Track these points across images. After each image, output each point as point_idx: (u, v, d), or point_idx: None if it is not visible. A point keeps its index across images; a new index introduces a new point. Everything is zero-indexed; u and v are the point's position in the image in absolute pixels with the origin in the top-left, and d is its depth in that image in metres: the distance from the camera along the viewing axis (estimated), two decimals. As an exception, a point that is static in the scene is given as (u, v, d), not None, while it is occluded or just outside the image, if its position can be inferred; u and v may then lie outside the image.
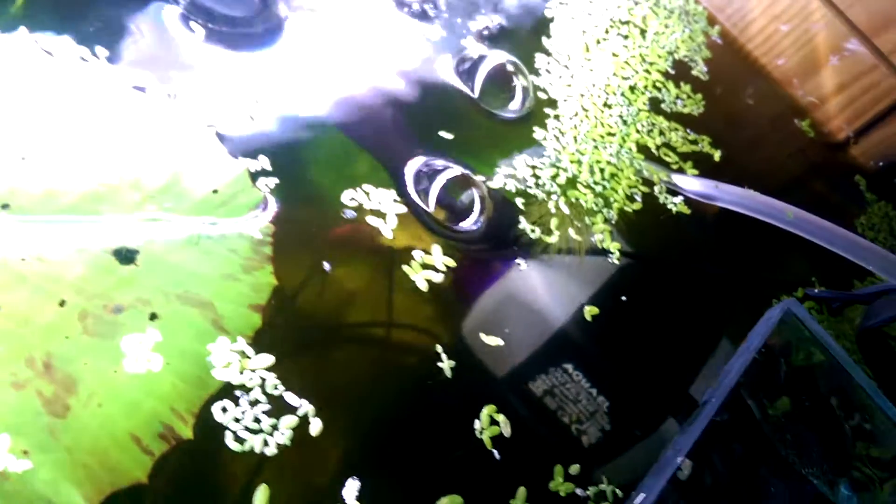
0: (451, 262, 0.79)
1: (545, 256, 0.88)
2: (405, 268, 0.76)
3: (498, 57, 1.01)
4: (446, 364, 0.73)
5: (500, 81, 1.01)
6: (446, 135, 0.90)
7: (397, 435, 0.68)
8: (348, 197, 0.78)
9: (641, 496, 0.64)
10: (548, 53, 1.11)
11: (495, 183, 0.90)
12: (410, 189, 0.82)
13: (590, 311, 0.85)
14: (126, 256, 0.65)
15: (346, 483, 0.63)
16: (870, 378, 0.93)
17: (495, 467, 0.69)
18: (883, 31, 1.45)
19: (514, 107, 0.99)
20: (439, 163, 0.87)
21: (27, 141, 0.65)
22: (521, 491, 0.68)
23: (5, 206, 0.62)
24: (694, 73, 1.30)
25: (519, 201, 0.90)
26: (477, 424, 0.71)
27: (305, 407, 0.64)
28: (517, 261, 0.85)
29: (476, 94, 0.96)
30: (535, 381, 0.78)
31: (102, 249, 0.64)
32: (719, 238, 1.07)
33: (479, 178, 0.88)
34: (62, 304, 0.61)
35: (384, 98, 0.90)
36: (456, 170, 0.87)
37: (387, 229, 0.78)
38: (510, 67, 1.02)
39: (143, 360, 0.61)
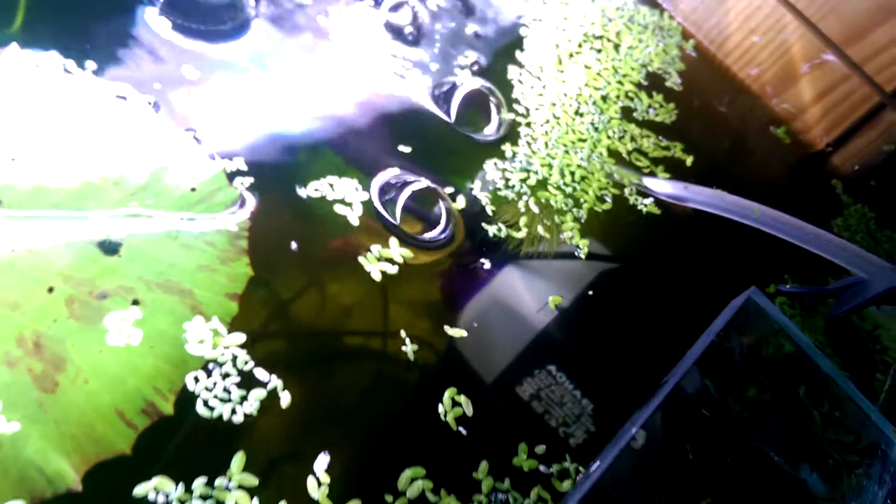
0: (409, 254, 0.84)
1: (514, 254, 0.92)
2: (361, 259, 0.81)
3: (474, 83, 1.06)
4: (409, 348, 0.77)
5: (476, 106, 1.07)
6: (408, 149, 0.95)
7: (363, 413, 0.72)
8: (313, 188, 0.84)
9: (597, 463, 0.68)
10: (520, 65, 1.16)
11: (464, 192, 0.94)
12: (375, 198, 0.87)
13: (553, 301, 0.89)
14: (110, 248, 0.71)
15: (317, 456, 0.67)
16: (838, 367, 0.96)
17: (460, 444, 0.73)
18: (854, 41, 1.50)
19: (490, 132, 1.04)
20: (408, 176, 0.92)
21: (18, 144, 0.71)
22: (484, 464, 0.72)
23: (-1, 202, 0.68)
24: (668, 84, 1.35)
25: (489, 208, 0.95)
26: (440, 408, 0.75)
27: (275, 382, 0.68)
28: (482, 260, 0.89)
29: (452, 119, 1.01)
30: (502, 368, 0.82)
31: (88, 241, 0.70)
32: (692, 238, 1.10)
33: (447, 189, 0.93)
34: (50, 290, 0.67)
35: (363, 112, 0.96)
36: (423, 182, 0.92)
37: (353, 217, 0.84)
38: (486, 93, 1.07)
39: (125, 335, 0.66)
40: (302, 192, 0.83)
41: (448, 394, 0.76)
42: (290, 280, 0.77)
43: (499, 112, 1.05)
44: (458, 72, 1.08)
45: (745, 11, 1.56)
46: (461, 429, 0.74)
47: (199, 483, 0.61)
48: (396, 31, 1.08)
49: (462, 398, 0.76)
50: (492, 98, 1.06)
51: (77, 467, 0.61)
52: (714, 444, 0.75)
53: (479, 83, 1.07)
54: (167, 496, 0.60)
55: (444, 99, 1.03)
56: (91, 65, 0.80)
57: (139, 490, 0.59)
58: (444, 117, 1.01)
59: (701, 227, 1.11)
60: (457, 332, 0.81)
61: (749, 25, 1.56)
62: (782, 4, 1.52)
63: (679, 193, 1.09)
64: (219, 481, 0.62)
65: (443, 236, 0.89)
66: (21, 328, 0.64)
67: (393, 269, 0.82)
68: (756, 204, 1.07)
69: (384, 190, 0.88)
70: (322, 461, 0.67)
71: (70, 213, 0.71)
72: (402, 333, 0.78)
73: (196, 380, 0.66)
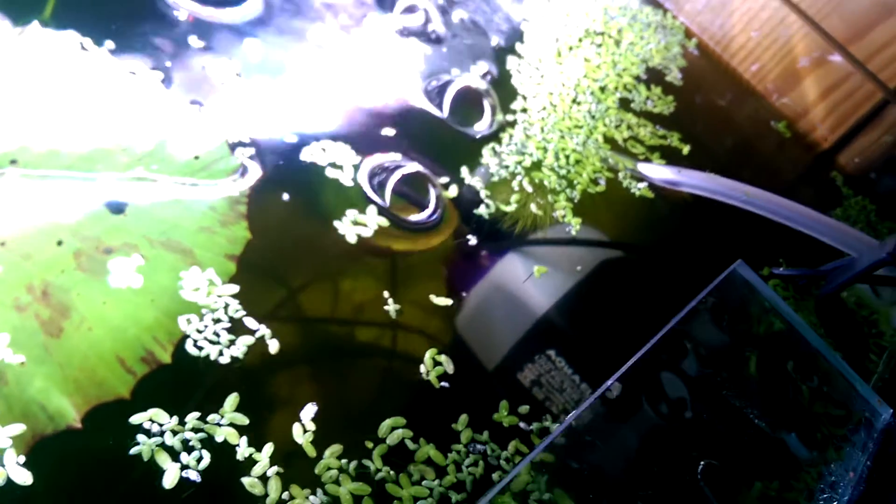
0: (384, 223, 0.87)
1: (507, 231, 0.95)
2: (336, 222, 0.85)
3: (469, 80, 1.10)
4: (392, 308, 0.80)
5: (470, 102, 1.10)
6: (401, 138, 0.99)
7: (349, 368, 0.76)
8: (308, 154, 0.88)
9: (573, 413, 0.70)
10: (519, 56, 1.20)
11: (459, 178, 0.98)
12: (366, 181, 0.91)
13: (539, 271, 0.92)
14: (116, 208, 0.75)
15: (304, 406, 0.70)
16: (827, 343, 0.98)
17: (441, 400, 0.76)
18: (857, 39, 1.52)
19: (482, 127, 1.07)
20: (399, 159, 0.96)
21: (36, 111, 0.77)
22: (464, 417, 0.75)
23: (14, 162, 0.73)
24: (667, 78, 1.38)
25: (484, 192, 0.98)
26: (422, 368, 0.78)
27: (263, 331, 0.72)
28: (476, 237, 0.92)
29: (445, 114, 1.05)
30: (487, 334, 0.85)
31: (96, 201, 0.75)
32: (685, 221, 1.13)
33: (442, 179, 0.96)
34: (59, 243, 0.71)
35: (363, 100, 1.00)
36: (414, 166, 0.95)
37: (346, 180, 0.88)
38: (481, 90, 1.10)
39: (127, 278, 0.70)
40: (300, 160, 0.87)
41: (429, 354, 0.79)
42: (286, 244, 0.81)
43: (493, 113, 1.08)
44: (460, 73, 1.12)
45: (748, 13, 1.58)
46: (444, 384, 0.77)
47: (192, 417, 0.65)
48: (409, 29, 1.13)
49: (442, 357, 0.79)
50: (487, 98, 1.10)
51: (78, 407, 0.65)
52: (692, 401, 0.77)
53: (475, 81, 1.10)
54: (161, 426, 0.63)
55: (437, 95, 1.07)
56: (109, 44, 0.86)
57: (134, 419, 0.63)
58: (438, 112, 1.05)
59: (695, 212, 1.14)
60: (442, 301, 0.84)
61: (752, 26, 1.58)
62: (785, 4, 1.54)
63: (672, 178, 1.12)
64: (211, 417, 0.65)
65: (432, 219, 0.92)
66: (31, 277, 0.69)
67: (368, 233, 0.85)
68: (748, 186, 1.09)
69: (375, 173, 0.92)
70: (309, 410, 0.70)
71: (81, 174, 0.76)
72: (386, 295, 0.81)
73: (188, 321, 0.70)
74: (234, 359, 0.69)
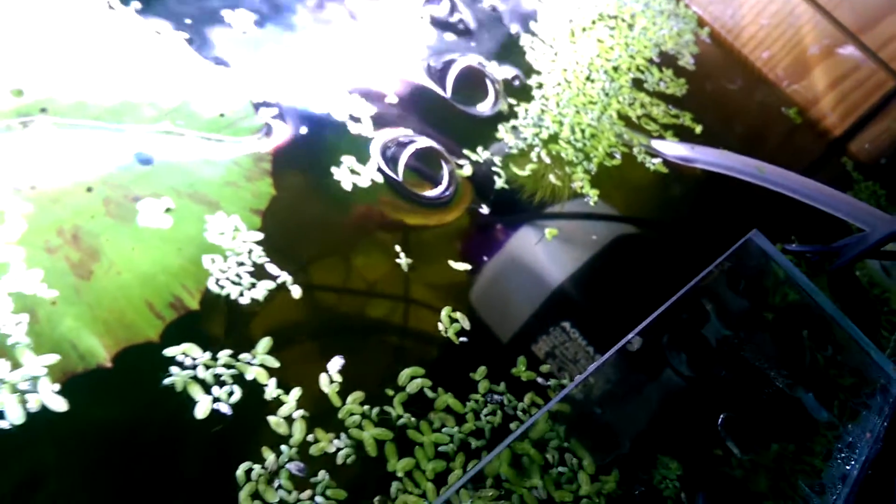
0: (379, 178, 0.88)
1: (526, 202, 0.96)
2: (333, 168, 0.86)
3: (470, 59, 1.10)
4: (403, 261, 0.81)
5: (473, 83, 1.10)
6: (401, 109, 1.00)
7: (370, 322, 0.76)
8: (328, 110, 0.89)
9: (594, 364, 0.71)
10: (533, 34, 1.22)
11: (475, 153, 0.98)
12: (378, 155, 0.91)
13: (550, 233, 0.93)
14: (144, 159, 0.76)
15: (332, 357, 0.71)
16: (845, 316, 0.98)
17: (460, 354, 0.77)
18: (868, 28, 1.53)
19: (486, 108, 1.08)
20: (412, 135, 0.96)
21: (64, 64, 0.78)
22: (482, 369, 0.76)
23: (44, 110, 0.74)
24: (680, 63, 1.39)
25: (499, 165, 0.98)
26: (440, 326, 0.78)
27: (285, 277, 0.73)
28: (493, 209, 0.93)
29: (448, 94, 1.05)
30: (504, 294, 0.85)
31: (124, 152, 0.76)
32: (699, 197, 1.14)
33: (462, 160, 0.96)
34: (89, 189, 0.72)
35: (386, 82, 1.01)
36: (426, 141, 0.96)
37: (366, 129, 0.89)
38: (481, 69, 1.11)
39: (155, 226, 0.71)
40: (320, 118, 0.88)
41: (445, 311, 0.79)
42: (309, 201, 0.82)
43: (497, 99, 1.08)
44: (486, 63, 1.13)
45: (759, 3, 1.60)
46: (463, 339, 0.78)
47: (224, 354, 0.65)
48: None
49: (458, 315, 0.79)
50: (491, 82, 1.10)
51: (108, 348, 0.66)
52: (711, 359, 0.78)
53: (475, 61, 1.11)
54: (194, 360, 0.64)
55: (440, 75, 1.08)
56: (135, 4, 0.87)
57: (168, 351, 0.64)
58: (442, 93, 1.06)
59: (708, 188, 1.15)
60: (461, 266, 0.85)
61: (763, 15, 1.60)
62: (796, -6, 1.56)
63: (686, 154, 1.13)
64: (243, 356, 0.66)
65: (446, 193, 0.93)
66: (61, 221, 0.70)
67: (365, 183, 0.86)
68: (762, 162, 1.10)
69: (387, 146, 0.93)
70: (336, 363, 0.71)
71: (109, 125, 0.77)
72: (397, 248, 0.82)
73: (212, 261, 0.71)
74: (254, 300, 0.70)
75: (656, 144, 1.14)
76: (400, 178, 0.90)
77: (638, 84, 1.26)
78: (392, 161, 0.91)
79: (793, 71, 1.56)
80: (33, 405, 0.58)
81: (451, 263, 0.84)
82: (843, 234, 1.13)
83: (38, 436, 0.57)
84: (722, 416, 0.73)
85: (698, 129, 1.25)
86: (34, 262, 0.66)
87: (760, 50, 1.58)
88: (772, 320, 0.88)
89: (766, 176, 1.05)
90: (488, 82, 1.09)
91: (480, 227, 0.91)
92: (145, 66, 0.83)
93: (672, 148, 1.14)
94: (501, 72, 1.11)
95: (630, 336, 0.74)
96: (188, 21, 0.90)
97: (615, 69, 1.26)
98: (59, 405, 0.59)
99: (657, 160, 1.13)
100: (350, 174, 0.86)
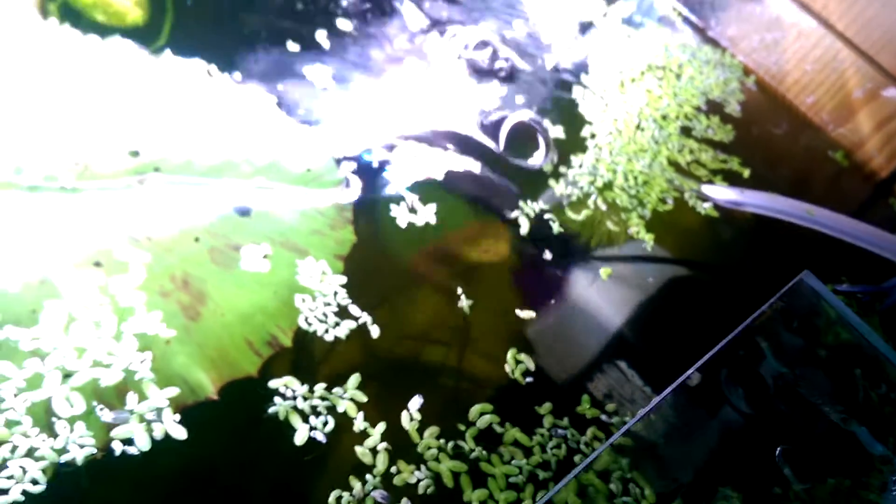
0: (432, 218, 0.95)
1: (583, 247, 1.03)
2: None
3: (522, 115, 1.18)
4: (465, 304, 0.88)
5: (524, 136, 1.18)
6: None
7: (437, 363, 0.83)
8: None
9: (656, 398, 0.76)
10: (584, 86, 1.29)
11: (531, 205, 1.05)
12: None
13: (605, 272, 0.99)
14: (243, 211, 0.85)
15: (412, 396, 0.78)
16: (893, 351, 1.01)
17: (527, 393, 0.83)
18: (910, 73, 1.57)
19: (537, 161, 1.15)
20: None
21: (174, 126, 0.88)
22: (547, 405, 0.81)
23: (157, 169, 0.84)
24: (727, 110, 1.45)
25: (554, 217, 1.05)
26: (507, 367, 0.85)
27: (366, 318, 0.80)
28: (550, 252, 0.99)
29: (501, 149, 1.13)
30: (567, 338, 0.91)
31: (225, 205, 0.85)
32: (750, 240, 1.19)
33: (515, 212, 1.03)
34: (196, 239, 0.81)
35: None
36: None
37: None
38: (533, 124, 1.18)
39: (253, 272, 0.80)
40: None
41: (510, 354, 0.86)
42: (388, 245, 0.90)
43: (548, 147, 1.15)
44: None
45: (801, 49, 1.66)
46: (529, 379, 0.84)
47: (319, 387, 0.73)
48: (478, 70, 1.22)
49: (523, 356, 0.85)
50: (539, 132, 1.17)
51: (214, 382, 0.74)
52: (768, 394, 0.82)
53: (527, 116, 1.19)
54: (294, 392, 0.72)
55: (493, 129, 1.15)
56: (235, 75, 0.97)
57: (272, 384, 0.71)
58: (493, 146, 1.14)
59: (759, 231, 1.20)
60: (526, 314, 0.91)
61: (807, 61, 1.65)
62: (839, 40, 1.61)
63: (735, 198, 1.18)
64: (336, 390, 0.73)
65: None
66: (173, 268, 0.79)
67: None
68: (810, 205, 1.15)
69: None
70: (416, 402, 0.77)
71: (211, 181, 0.86)
72: (463, 295, 0.89)
73: (303, 301, 0.79)
74: (336, 339, 0.78)
75: (706, 189, 1.20)
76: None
77: (686, 131, 1.32)
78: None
79: (838, 115, 1.60)
80: (158, 433, 0.65)
81: (517, 312, 0.91)
82: (891, 274, 1.16)
83: (162, 460, 0.64)
84: (780, 448, 0.77)
85: (746, 173, 1.30)
86: (153, 305, 0.74)
87: (805, 95, 1.63)
88: (825, 358, 0.92)
89: (815, 218, 1.10)
90: (539, 137, 1.16)
91: (538, 269, 0.98)
92: (241, 128, 0.92)
93: (722, 192, 1.19)
94: (554, 129, 1.18)
95: (689, 372, 0.79)
96: (279, 87, 0.99)
97: (664, 117, 1.32)
98: (181, 433, 0.66)
99: (708, 204, 1.19)
100: (408, 213, 0.93)
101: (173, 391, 0.69)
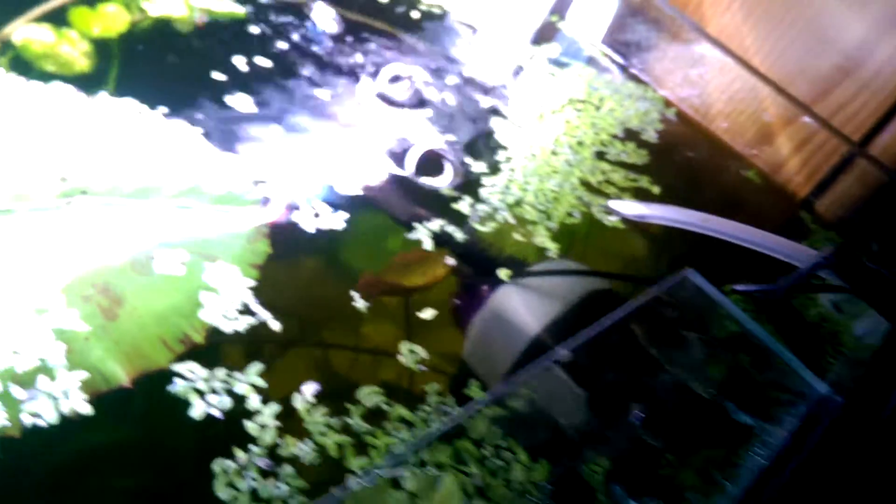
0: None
1: (488, 257, 1.12)
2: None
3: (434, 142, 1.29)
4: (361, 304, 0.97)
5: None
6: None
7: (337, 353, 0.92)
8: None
9: (525, 372, 0.84)
10: (503, 117, 1.41)
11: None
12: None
13: (505, 273, 1.08)
14: (165, 228, 0.95)
15: (307, 382, 0.86)
16: (780, 343, 1.09)
17: (417, 379, 0.91)
18: (820, 100, 1.70)
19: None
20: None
21: (103, 158, 0.99)
22: (435, 386, 0.90)
23: (84, 192, 0.95)
24: (643, 137, 1.56)
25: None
26: (401, 357, 0.93)
27: (269, 316, 0.90)
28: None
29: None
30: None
31: (149, 223, 0.95)
32: (655, 249, 1.28)
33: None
34: (116, 251, 0.91)
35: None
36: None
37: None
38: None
39: (170, 279, 0.90)
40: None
41: (404, 346, 0.94)
42: (301, 259, 1.00)
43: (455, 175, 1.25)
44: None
45: (721, 85, 1.78)
46: (422, 367, 0.92)
47: (221, 372, 0.82)
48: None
49: (416, 346, 0.94)
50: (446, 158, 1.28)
51: (128, 373, 0.83)
52: (637, 373, 0.90)
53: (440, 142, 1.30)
54: (196, 375, 0.81)
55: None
56: (163, 109, 1.09)
57: (176, 367, 0.81)
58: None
59: (664, 241, 1.29)
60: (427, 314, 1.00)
61: (727, 95, 1.77)
62: (754, 76, 1.74)
63: (639, 212, 1.28)
64: (236, 374, 0.82)
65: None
66: (95, 276, 0.88)
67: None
68: (706, 214, 1.25)
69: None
70: (311, 387, 0.86)
71: (136, 201, 0.96)
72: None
73: (214, 301, 0.88)
74: (241, 332, 0.87)
75: (613, 204, 1.30)
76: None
77: (600, 156, 1.43)
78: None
79: (755, 140, 1.72)
80: (66, 409, 0.74)
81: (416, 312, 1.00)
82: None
83: (69, 432, 0.73)
84: (636, 413, 0.85)
85: (656, 189, 1.40)
86: (73, 305, 0.84)
87: (723, 123, 1.75)
88: (703, 342, 1.00)
89: (707, 225, 1.20)
90: (449, 162, 1.26)
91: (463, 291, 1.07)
92: (167, 156, 1.04)
93: (628, 207, 1.29)
94: (466, 156, 1.29)
95: (560, 350, 0.87)
96: (202, 117, 1.11)
97: (579, 143, 1.43)
98: (87, 410, 0.75)
99: (614, 217, 1.28)
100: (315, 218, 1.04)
101: (85, 374, 0.78)
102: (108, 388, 0.81)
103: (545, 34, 1.76)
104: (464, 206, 1.19)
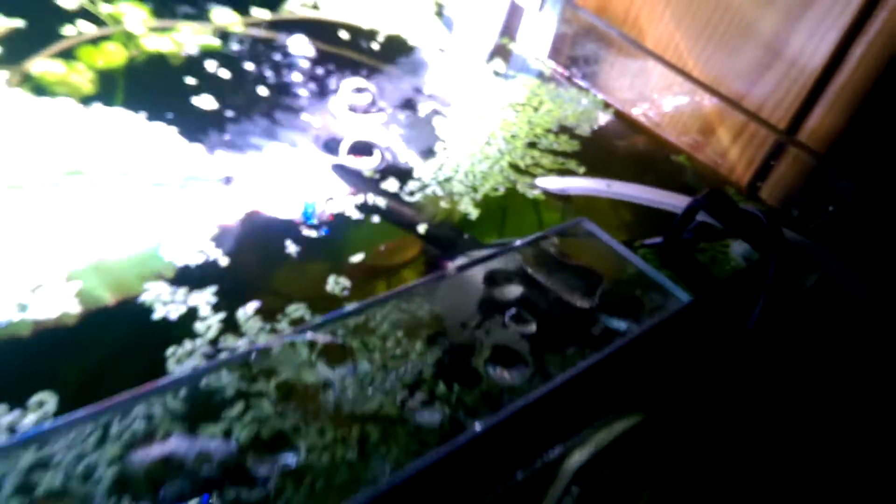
0: None
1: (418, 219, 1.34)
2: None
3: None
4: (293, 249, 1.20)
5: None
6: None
7: (281, 287, 1.14)
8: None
9: (407, 285, 1.05)
10: (444, 117, 1.65)
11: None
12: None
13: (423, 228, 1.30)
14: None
15: (250, 302, 1.09)
16: (675, 282, 1.27)
17: (339, 302, 1.13)
18: (747, 94, 1.90)
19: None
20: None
21: (89, 150, 1.26)
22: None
23: (79, 173, 1.21)
24: (577, 132, 1.78)
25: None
26: (328, 286, 1.15)
27: (223, 256, 1.13)
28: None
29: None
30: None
31: (134, 197, 1.21)
32: (573, 212, 1.49)
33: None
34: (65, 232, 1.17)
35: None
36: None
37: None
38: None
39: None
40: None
41: (332, 278, 1.16)
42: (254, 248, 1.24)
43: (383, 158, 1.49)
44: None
45: (659, 89, 2.00)
46: (345, 293, 1.14)
47: (182, 290, 1.05)
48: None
49: (342, 278, 1.16)
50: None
51: (112, 297, 1.07)
52: (522, 291, 1.10)
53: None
54: (161, 292, 1.04)
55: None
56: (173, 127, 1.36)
57: (146, 286, 1.04)
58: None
59: (582, 208, 1.49)
60: (356, 257, 1.23)
61: (665, 96, 1.99)
62: (688, 80, 1.95)
63: (559, 185, 1.49)
64: (194, 292, 1.05)
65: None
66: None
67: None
68: (611, 180, 1.45)
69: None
70: (253, 305, 1.08)
71: (117, 184, 1.22)
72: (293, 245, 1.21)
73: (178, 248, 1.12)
74: (196, 267, 1.10)
75: (537, 181, 1.51)
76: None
77: (532, 146, 1.65)
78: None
79: (697, 136, 1.91)
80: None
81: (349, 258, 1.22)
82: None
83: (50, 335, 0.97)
84: (513, 310, 1.05)
85: (581, 170, 1.61)
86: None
87: (658, 119, 1.96)
88: (587, 271, 1.20)
89: (612, 189, 1.40)
90: (379, 150, 1.50)
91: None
92: (146, 150, 1.30)
93: (550, 182, 1.51)
94: (403, 147, 1.53)
95: (448, 269, 1.08)
96: (175, 117, 1.38)
97: (513, 136, 1.66)
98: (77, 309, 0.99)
99: (536, 191, 1.50)
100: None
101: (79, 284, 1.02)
102: (95, 306, 1.05)
103: (497, 54, 2.01)
104: (393, 183, 1.42)
